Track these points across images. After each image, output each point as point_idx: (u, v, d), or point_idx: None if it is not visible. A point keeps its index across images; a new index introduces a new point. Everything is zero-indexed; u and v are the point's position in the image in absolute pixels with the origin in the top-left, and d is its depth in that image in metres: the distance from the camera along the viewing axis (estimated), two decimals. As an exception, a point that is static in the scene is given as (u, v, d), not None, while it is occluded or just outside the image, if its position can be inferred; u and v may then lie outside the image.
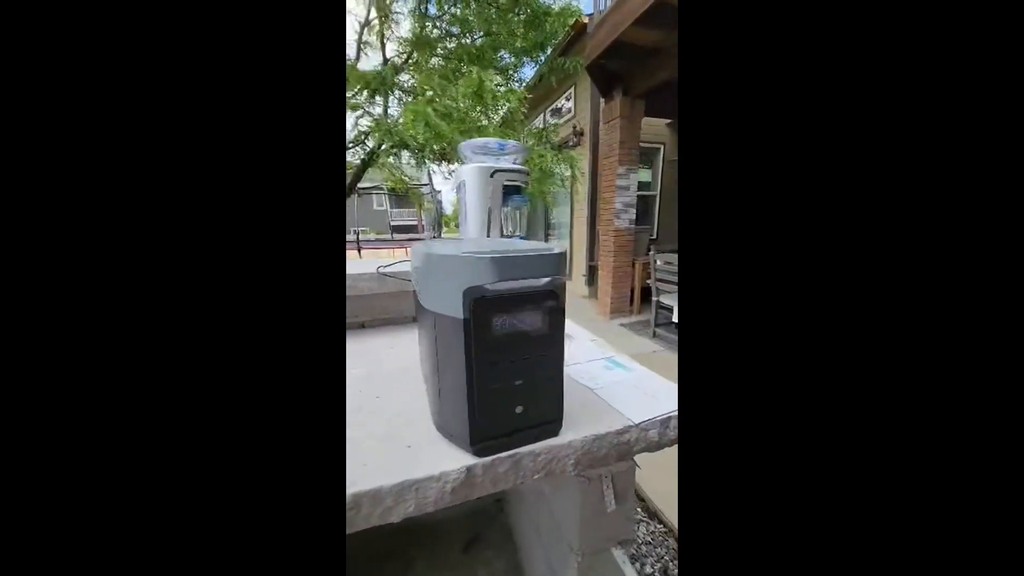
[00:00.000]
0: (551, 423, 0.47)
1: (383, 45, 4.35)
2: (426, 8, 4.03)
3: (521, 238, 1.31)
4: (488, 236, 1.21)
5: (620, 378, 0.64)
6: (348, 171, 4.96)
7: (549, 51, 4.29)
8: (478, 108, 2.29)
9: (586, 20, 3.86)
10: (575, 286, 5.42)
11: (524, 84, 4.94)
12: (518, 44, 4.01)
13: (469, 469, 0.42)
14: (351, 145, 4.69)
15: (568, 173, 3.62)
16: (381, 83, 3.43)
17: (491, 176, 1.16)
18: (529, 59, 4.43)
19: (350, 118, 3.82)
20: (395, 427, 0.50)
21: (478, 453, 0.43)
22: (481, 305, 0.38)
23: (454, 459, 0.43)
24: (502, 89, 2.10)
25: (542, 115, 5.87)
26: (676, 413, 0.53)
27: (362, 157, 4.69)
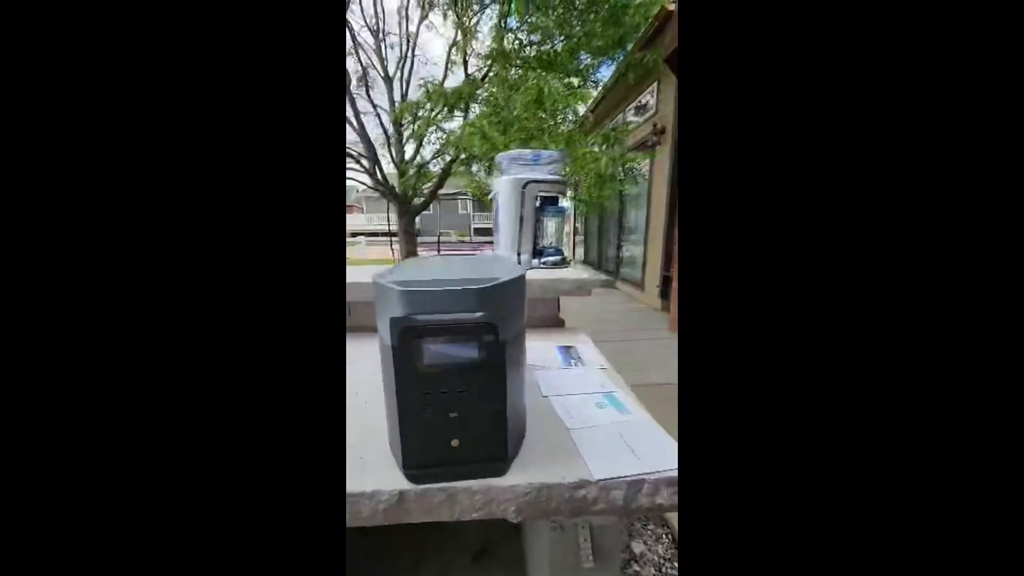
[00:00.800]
0: (493, 462, 0.44)
1: (465, 63, 4.68)
2: (506, 22, 4.19)
3: (556, 250, 1.27)
4: (520, 247, 1.19)
5: (609, 420, 0.57)
6: (430, 180, 5.48)
7: (629, 47, 4.04)
8: (539, 115, 2.29)
9: (672, 7, 3.52)
10: (648, 298, 4.98)
11: (601, 84, 4.76)
12: (596, 43, 3.88)
13: (401, 494, 0.43)
14: (434, 157, 5.17)
15: (638, 170, 3.33)
16: (459, 98, 3.70)
17: (523, 187, 1.15)
18: (607, 58, 4.25)
19: (429, 133, 4.21)
20: (362, 436, 0.53)
21: (410, 479, 0.43)
22: (408, 334, 0.38)
23: (393, 480, 0.44)
24: (564, 93, 2.06)
25: (621, 114, 5.56)
26: (654, 477, 0.44)
27: (442, 167, 5.13)
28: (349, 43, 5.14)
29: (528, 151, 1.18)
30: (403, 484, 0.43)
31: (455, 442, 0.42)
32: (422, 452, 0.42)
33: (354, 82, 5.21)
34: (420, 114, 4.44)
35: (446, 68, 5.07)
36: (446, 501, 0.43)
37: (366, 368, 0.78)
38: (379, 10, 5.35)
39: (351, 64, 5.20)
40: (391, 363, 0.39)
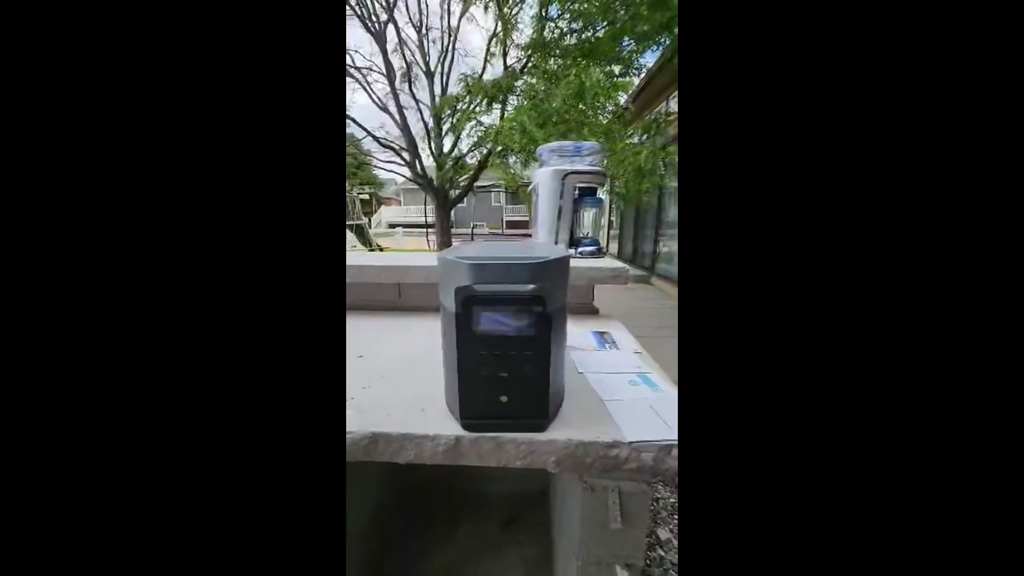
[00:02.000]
0: (536, 419, 0.50)
1: (504, 54, 4.71)
2: (547, 11, 4.15)
3: (592, 241, 1.30)
4: (557, 238, 1.24)
5: (641, 396, 0.61)
6: (466, 173, 5.61)
7: (676, 30, 3.86)
8: (581, 107, 2.28)
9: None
10: (685, 294, 4.80)
11: (645, 71, 4.58)
12: (641, 28, 3.74)
13: (458, 439, 0.50)
14: (471, 149, 5.28)
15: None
16: (497, 91, 3.75)
17: (563, 179, 1.19)
18: (652, 43, 4.09)
19: (469, 127, 4.31)
20: (422, 394, 0.61)
21: (466, 428, 0.50)
22: (468, 302, 0.45)
23: (450, 429, 0.51)
24: (605, 85, 2.02)
25: (665, 103, 5.32)
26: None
27: (479, 160, 5.23)
28: (394, 40, 5.34)
29: (569, 143, 1.21)
30: (459, 432, 0.51)
31: (504, 398, 0.48)
32: (476, 405, 0.49)
33: (398, 78, 5.42)
34: (460, 107, 4.54)
35: (485, 60, 5.14)
36: (495, 449, 0.50)
37: (421, 342, 0.88)
38: (423, 6, 5.50)
39: (396, 61, 5.41)
40: (453, 328, 0.46)
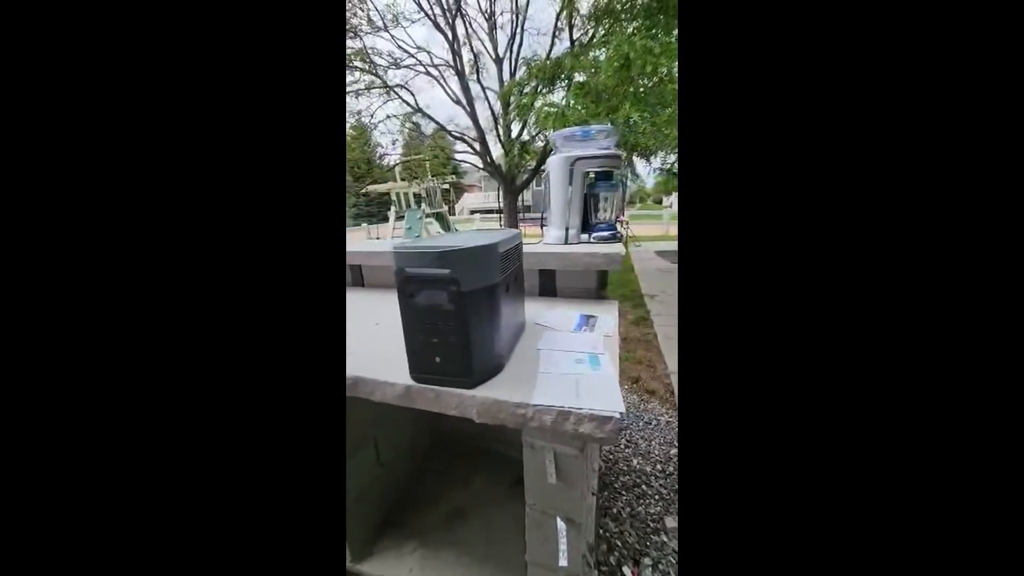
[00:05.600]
0: (463, 378, 0.62)
1: (571, 27, 4.51)
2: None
3: (608, 226, 1.29)
4: (568, 224, 1.27)
5: (577, 371, 0.66)
6: (533, 157, 5.65)
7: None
8: (633, 79, 2.09)
9: None
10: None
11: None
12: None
13: (407, 387, 0.65)
14: (537, 133, 5.27)
15: None
16: (558, 70, 3.65)
17: (571, 165, 1.20)
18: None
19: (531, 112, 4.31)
20: (400, 351, 0.78)
21: (413, 379, 0.65)
22: (403, 281, 0.58)
23: (406, 378, 0.67)
24: (656, 52, 1.80)
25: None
26: (582, 412, 0.55)
27: (544, 144, 5.21)
28: (463, 32, 5.57)
29: (578, 128, 1.21)
30: (409, 382, 0.65)
31: (437, 359, 0.61)
32: (418, 362, 0.63)
33: (467, 69, 5.67)
34: (526, 91, 4.57)
35: (553, 37, 5.00)
36: (435, 398, 0.64)
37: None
38: (493, -7, 5.57)
39: (466, 54, 5.66)
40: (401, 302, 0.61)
